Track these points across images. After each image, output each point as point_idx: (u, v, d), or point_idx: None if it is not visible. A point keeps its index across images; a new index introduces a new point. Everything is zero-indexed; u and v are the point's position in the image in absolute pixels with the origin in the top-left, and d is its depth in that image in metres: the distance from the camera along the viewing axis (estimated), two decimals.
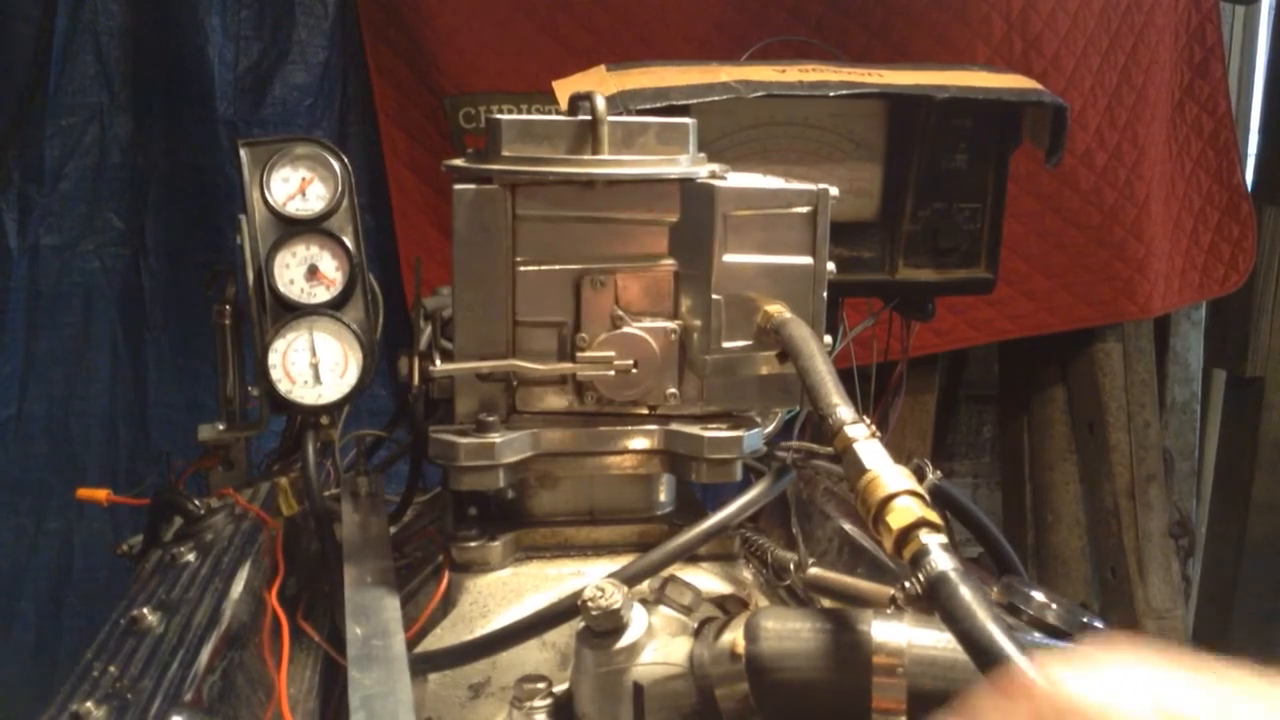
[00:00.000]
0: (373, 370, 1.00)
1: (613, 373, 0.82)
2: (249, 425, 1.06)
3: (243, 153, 1.01)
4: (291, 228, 1.00)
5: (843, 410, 0.68)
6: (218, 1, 1.81)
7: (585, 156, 0.80)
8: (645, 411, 0.85)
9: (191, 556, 0.88)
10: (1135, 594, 2.16)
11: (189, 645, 0.71)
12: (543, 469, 0.86)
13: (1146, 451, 2.18)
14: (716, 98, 1.03)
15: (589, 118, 0.80)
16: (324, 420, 1.00)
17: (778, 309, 0.80)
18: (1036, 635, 0.70)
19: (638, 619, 0.70)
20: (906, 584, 0.59)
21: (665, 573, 0.78)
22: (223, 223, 1.82)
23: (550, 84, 1.11)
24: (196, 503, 0.97)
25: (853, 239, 1.16)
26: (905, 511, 0.61)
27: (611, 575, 0.72)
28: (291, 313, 0.98)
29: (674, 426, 0.84)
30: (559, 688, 0.72)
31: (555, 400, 0.84)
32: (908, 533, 0.60)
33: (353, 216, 1.02)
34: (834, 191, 0.82)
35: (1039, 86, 1.15)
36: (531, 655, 0.78)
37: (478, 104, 1.87)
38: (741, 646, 0.67)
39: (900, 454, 0.66)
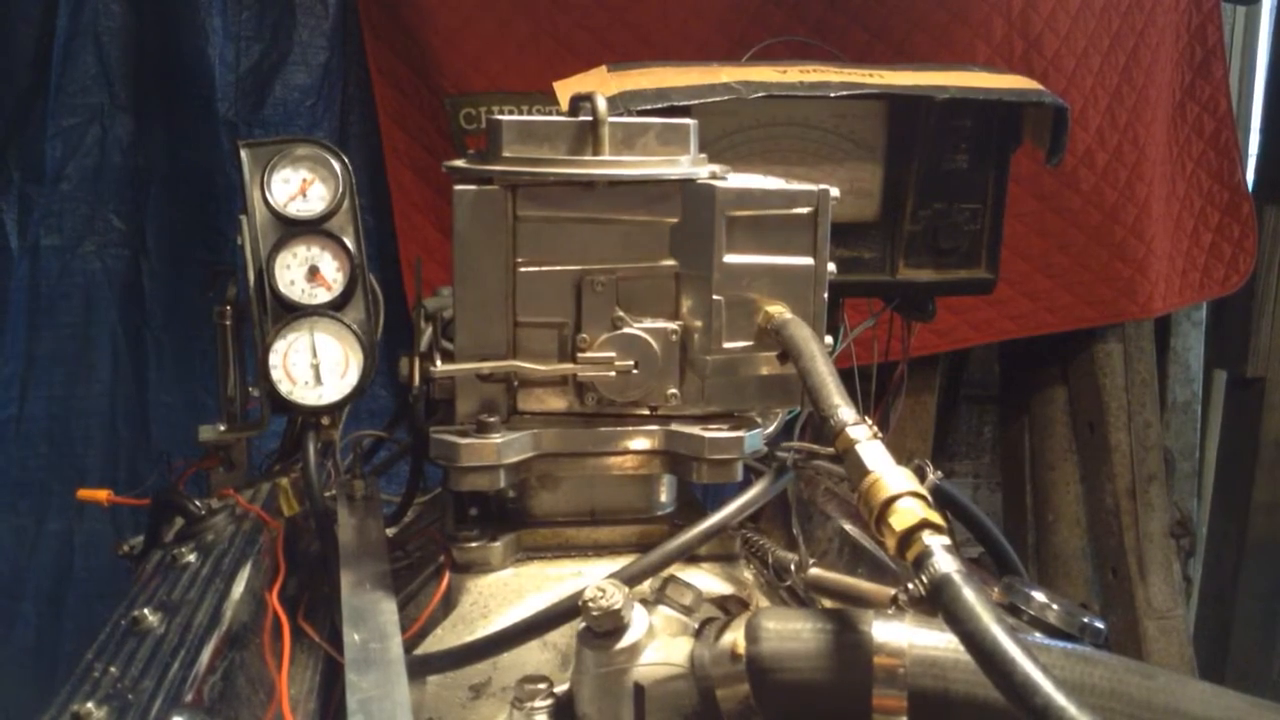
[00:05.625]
0: (373, 371, 1.00)
1: (613, 373, 0.82)
2: (250, 426, 1.06)
3: (243, 153, 1.01)
4: (292, 228, 1.00)
5: (844, 411, 0.68)
6: (218, 2, 1.81)
7: (586, 157, 0.80)
8: (646, 412, 0.85)
9: (192, 557, 0.88)
10: (1136, 594, 2.16)
11: (190, 646, 0.71)
12: (543, 469, 0.86)
13: (1147, 451, 2.18)
14: (717, 98, 1.03)
15: (590, 118, 0.80)
16: (325, 421, 1.00)
17: (778, 309, 0.80)
18: (1037, 635, 0.70)
19: (638, 619, 0.70)
20: (910, 586, 0.59)
21: (666, 573, 0.78)
22: (223, 223, 1.82)
23: (551, 84, 1.11)
24: (197, 503, 0.97)
25: (853, 239, 1.16)
26: (908, 513, 0.61)
27: (612, 575, 0.72)
28: (292, 313, 0.99)
29: (675, 427, 0.84)
30: (560, 688, 0.72)
31: (556, 401, 0.84)
32: (910, 534, 0.60)
33: (353, 217, 1.02)
34: (835, 192, 0.82)
35: (1039, 87, 1.15)
36: (532, 656, 0.78)
37: (478, 104, 1.87)
38: (742, 647, 0.67)
39: (901, 454, 0.66)
